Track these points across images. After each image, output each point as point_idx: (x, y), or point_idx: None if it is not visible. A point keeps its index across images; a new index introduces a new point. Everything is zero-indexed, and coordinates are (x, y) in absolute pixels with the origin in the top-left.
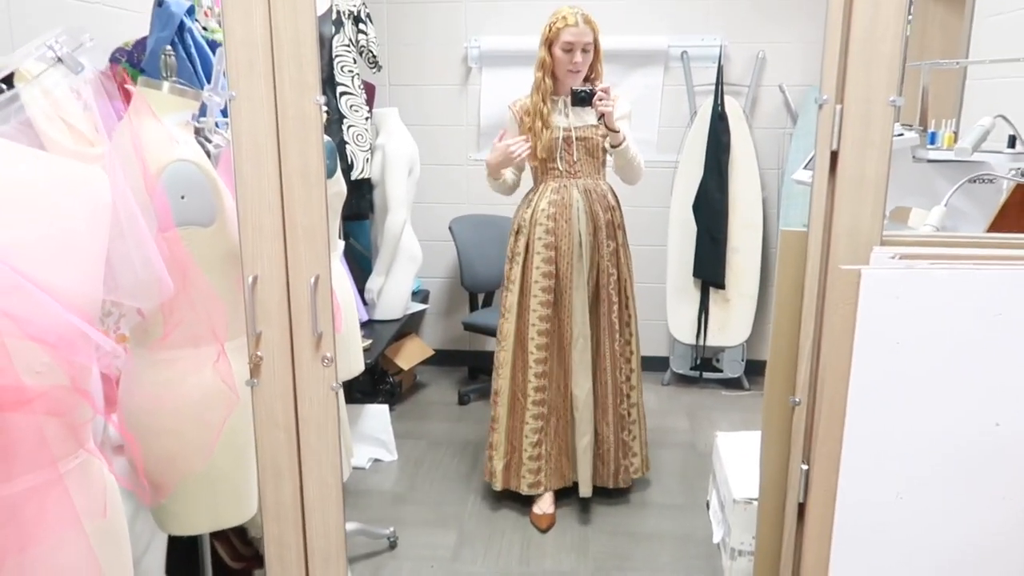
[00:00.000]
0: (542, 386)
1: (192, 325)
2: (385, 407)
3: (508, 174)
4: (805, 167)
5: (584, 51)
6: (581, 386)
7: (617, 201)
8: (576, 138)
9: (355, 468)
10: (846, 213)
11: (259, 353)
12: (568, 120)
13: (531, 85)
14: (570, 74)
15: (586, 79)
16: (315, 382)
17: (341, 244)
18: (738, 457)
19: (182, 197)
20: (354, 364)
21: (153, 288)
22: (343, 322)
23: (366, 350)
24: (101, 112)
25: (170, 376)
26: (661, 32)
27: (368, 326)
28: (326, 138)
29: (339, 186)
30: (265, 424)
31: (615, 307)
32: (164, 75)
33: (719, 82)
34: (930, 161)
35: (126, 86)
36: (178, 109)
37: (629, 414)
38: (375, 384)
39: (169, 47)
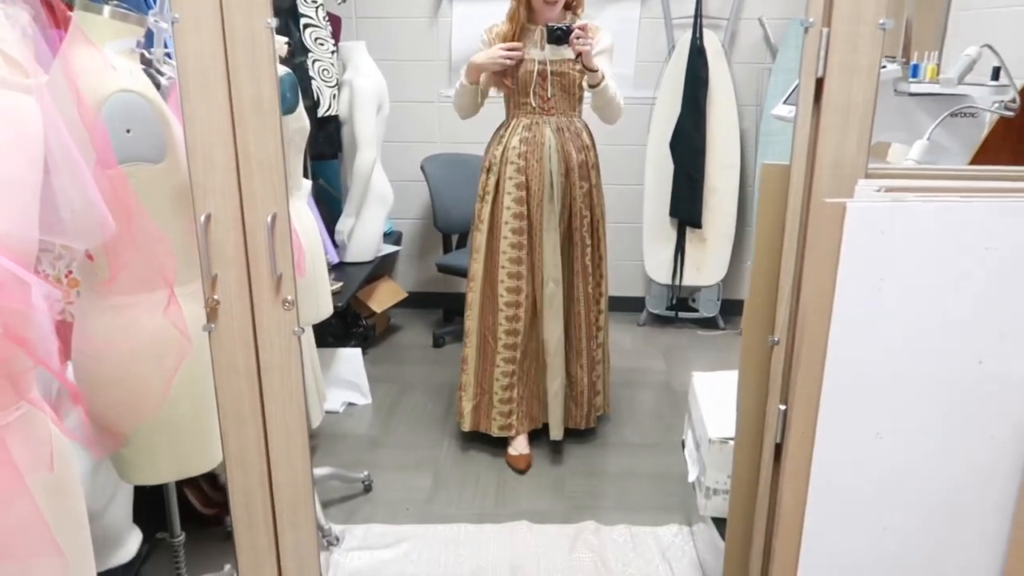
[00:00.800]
0: (513, 329)
1: (140, 268)
2: (358, 350)
3: (477, 88)
4: (785, 101)
5: None
6: (552, 331)
7: (592, 140)
8: (552, 73)
9: (328, 412)
10: (831, 144)
11: (216, 297)
12: (543, 53)
13: (506, 13)
14: (546, 5)
15: (566, 7)
16: (276, 326)
17: (308, 184)
18: (714, 397)
19: (127, 131)
20: (323, 307)
21: (94, 227)
22: (309, 264)
23: (336, 293)
24: (42, 41)
25: (121, 322)
26: None
27: (339, 269)
28: (286, 70)
29: (301, 121)
30: (225, 370)
31: (588, 249)
32: None
33: (698, 15)
34: (911, 95)
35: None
36: (120, 36)
37: (598, 355)
38: (348, 328)
39: None
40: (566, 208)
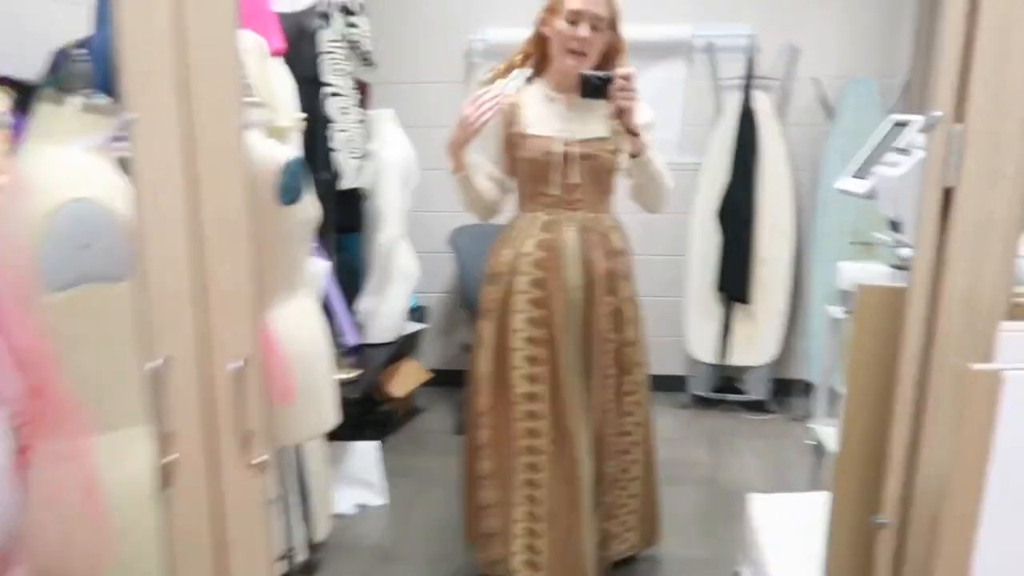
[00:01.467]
0: (532, 480)
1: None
2: (374, 445)
3: (487, 187)
4: (852, 175)
5: (594, 28)
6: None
7: (625, 243)
8: (580, 155)
9: (337, 516)
10: (962, 271)
11: (170, 457)
12: (569, 129)
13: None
14: (570, 56)
15: (600, 66)
16: (244, 493)
17: (324, 268)
18: (777, 529)
19: (85, 246)
20: (324, 420)
21: None
22: (306, 378)
23: (354, 381)
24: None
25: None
26: (684, 20)
27: (358, 351)
28: (292, 155)
29: (308, 212)
30: (182, 544)
31: (610, 382)
32: (69, 87)
33: (748, 75)
34: None
35: None
36: (90, 131)
37: (631, 503)
38: (365, 414)
39: (81, 48)
40: (587, 331)
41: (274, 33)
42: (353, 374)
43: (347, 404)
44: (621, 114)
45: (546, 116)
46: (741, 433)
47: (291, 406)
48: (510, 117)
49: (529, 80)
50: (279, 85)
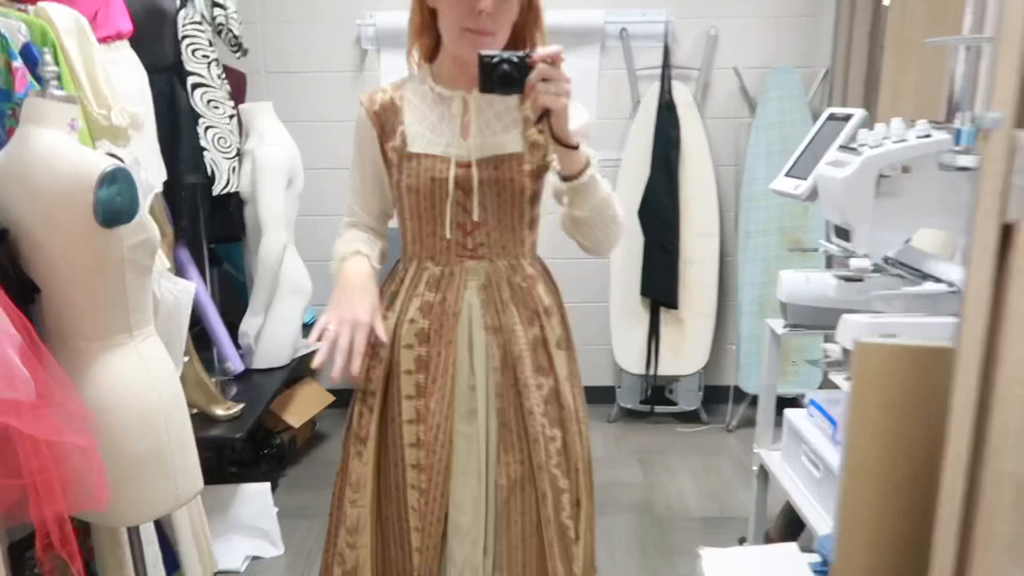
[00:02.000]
0: None
1: None
2: (266, 487)
3: (373, 253)
4: (787, 173)
5: None
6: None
7: (555, 298)
8: (481, 179)
9: (224, 573)
10: None
11: None
12: (467, 141)
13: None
14: (466, 36)
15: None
16: None
17: (191, 288)
18: None
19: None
20: (185, 487)
21: None
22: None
23: (237, 417)
24: None
25: None
26: (596, 6)
27: (244, 380)
28: (113, 162)
29: (146, 232)
30: None
31: (548, 501)
32: None
33: (666, 65)
34: (960, 168)
35: None
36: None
37: None
38: (257, 450)
39: None
40: (508, 431)
41: (117, 12)
42: (235, 409)
43: (230, 445)
44: (545, 116)
45: (433, 124)
46: (674, 448)
47: (124, 485)
48: (383, 125)
49: (420, 64)
50: (121, 75)
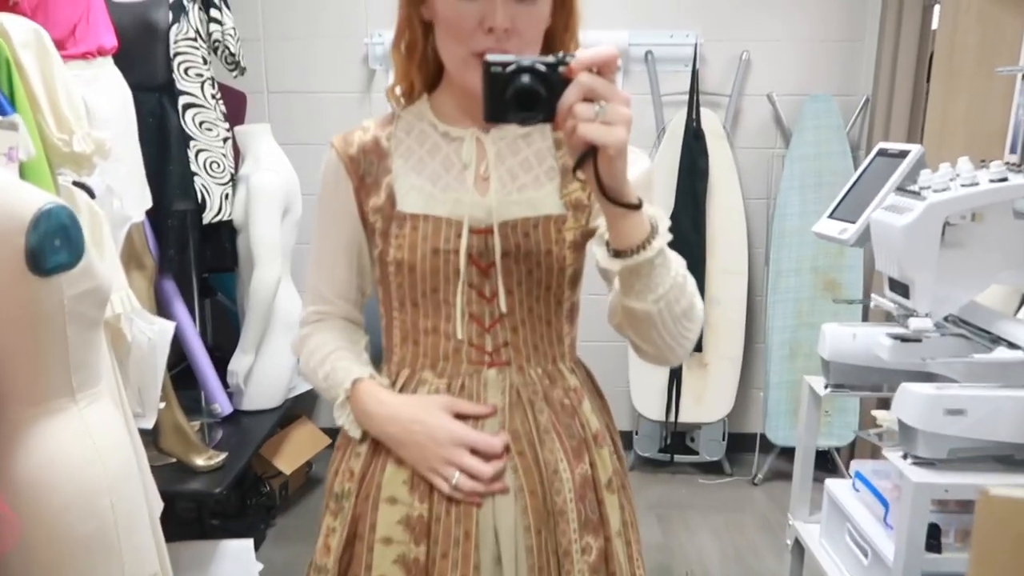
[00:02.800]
0: None
1: None
2: (249, 543)
3: (356, 350)
4: (832, 215)
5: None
6: None
7: (604, 414)
8: (506, 251)
9: None
10: None
11: None
12: (485, 198)
13: (390, 85)
14: (477, 64)
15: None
16: None
17: (169, 328)
18: None
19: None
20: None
21: None
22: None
23: (220, 468)
24: None
25: None
26: (619, 27)
27: (232, 422)
28: (50, 199)
29: (92, 280)
30: None
31: None
32: None
33: (694, 90)
34: None
35: None
36: None
37: None
38: (244, 498)
39: None
40: None
41: (100, 26)
42: (218, 459)
43: (211, 499)
44: (589, 159)
45: (436, 175)
46: (696, 503)
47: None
48: (362, 176)
49: (401, 104)
50: (102, 93)
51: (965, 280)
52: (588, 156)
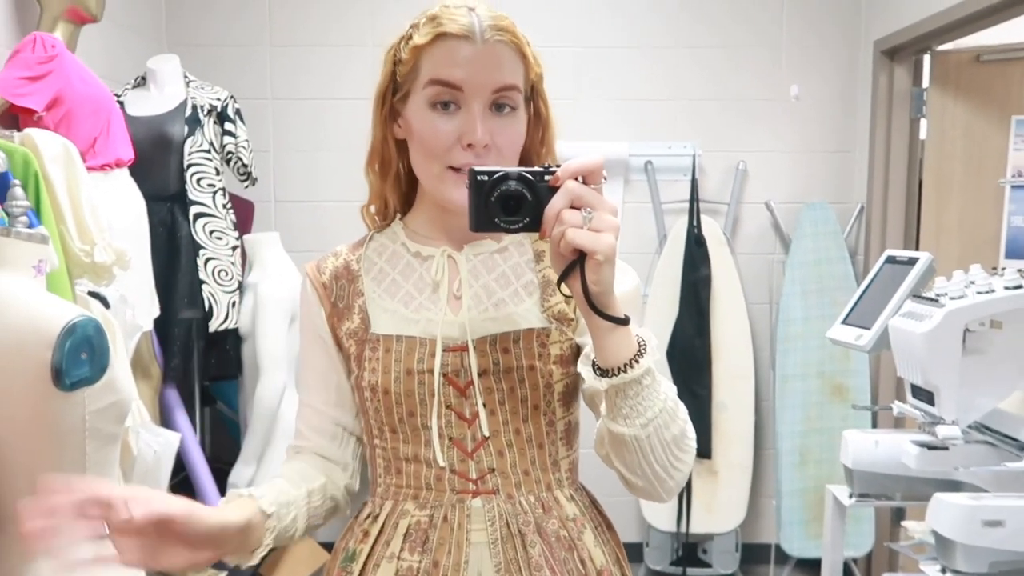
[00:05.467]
0: None
1: None
2: None
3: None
4: (845, 321)
5: (499, 108)
6: None
7: (611, 547)
8: (483, 368)
9: None
10: None
11: None
12: (458, 316)
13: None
14: (452, 177)
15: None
16: None
17: (174, 441)
18: None
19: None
20: None
21: None
22: None
23: None
24: None
25: None
26: (619, 138)
27: None
28: (80, 313)
29: (115, 395)
30: None
31: None
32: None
33: (694, 198)
34: None
35: None
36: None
37: None
38: None
39: None
40: None
41: (118, 139)
42: None
43: None
44: (575, 269)
45: (408, 296)
46: None
47: None
48: (335, 302)
49: (381, 223)
50: (117, 204)
51: (988, 387)
52: (575, 265)
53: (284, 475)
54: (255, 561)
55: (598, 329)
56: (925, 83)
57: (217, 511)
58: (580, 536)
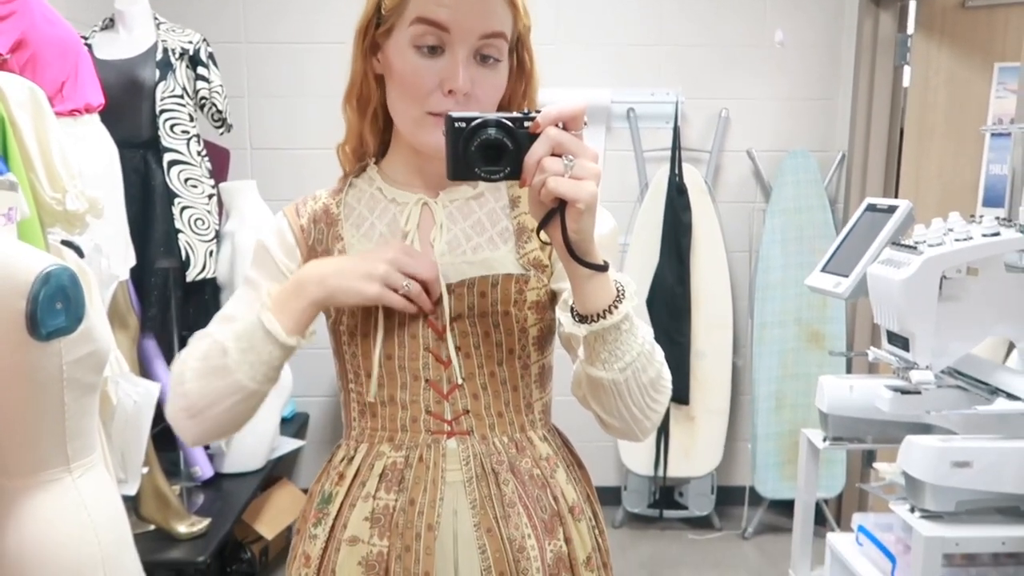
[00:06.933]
0: None
1: None
2: None
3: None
4: (824, 269)
5: (482, 56)
6: None
7: (583, 485)
8: (458, 312)
9: None
10: None
11: None
12: (435, 258)
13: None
14: (430, 122)
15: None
16: None
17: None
18: None
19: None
20: None
21: None
22: None
23: (202, 535)
24: None
25: None
26: (601, 84)
27: (213, 486)
28: (54, 262)
29: (92, 343)
30: None
31: None
32: None
33: (675, 147)
34: None
35: None
36: None
37: None
38: (225, 566)
39: None
40: None
41: (87, 84)
42: (201, 526)
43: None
44: (555, 216)
45: (382, 238)
46: (686, 560)
47: None
48: (313, 246)
49: (356, 164)
50: (88, 151)
51: (962, 333)
52: (555, 213)
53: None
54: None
55: (577, 276)
56: (910, 29)
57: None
58: (553, 474)
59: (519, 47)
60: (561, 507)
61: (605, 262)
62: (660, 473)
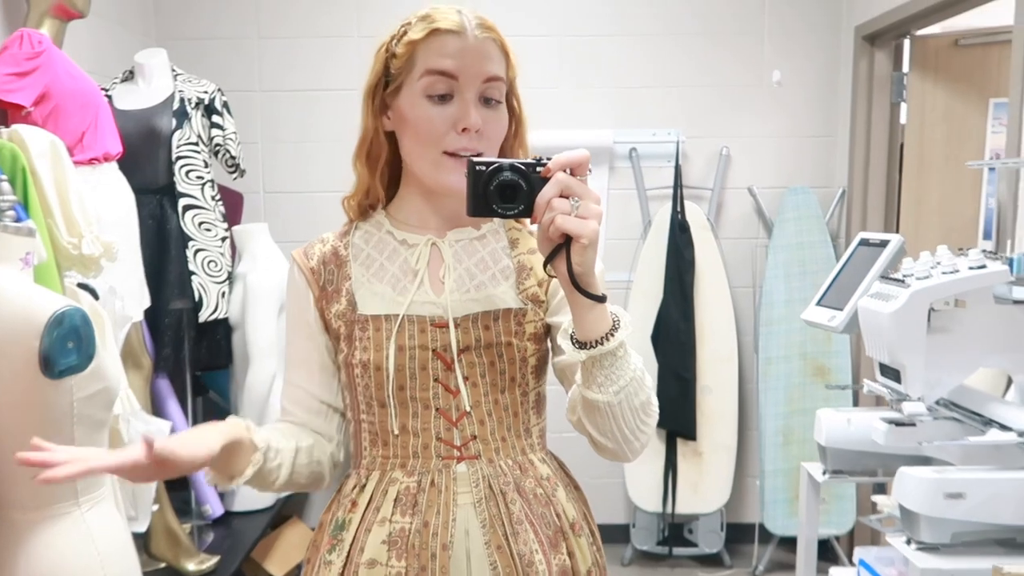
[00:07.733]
0: None
1: None
2: None
3: (291, 459)
4: (819, 303)
5: (485, 100)
6: None
7: (580, 503)
8: (466, 344)
9: None
10: None
11: None
12: (442, 297)
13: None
14: (448, 162)
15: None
16: None
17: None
18: None
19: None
20: None
21: None
22: None
23: (212, 573)
24: None
25: None
26: (604, 125)
27: (223, 525)
28: (67, 303)
29: (102, 381)
30: None
31: None
32: None
33: (677, 184)
34: (1016, 302)
35: None
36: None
37: None
38: None
39: None
40: None
41: (106, 133)
42: (210, 563)
43: None
44: (561, 252)
45: (395, 279)
46: None
47: None
48: (323, 286)
49: (360, 216)
50: (106, 197)
51: (953, 364)
52: (562, 248)
53: (277, 428)
54: (232, 486)
55: (579, 306)
56: (905, 67)
57: (204, 441)
58: (554, 493)
59: (509, 93)
60: (563, 523)
61: (604, 294)
62: (668, 509)
